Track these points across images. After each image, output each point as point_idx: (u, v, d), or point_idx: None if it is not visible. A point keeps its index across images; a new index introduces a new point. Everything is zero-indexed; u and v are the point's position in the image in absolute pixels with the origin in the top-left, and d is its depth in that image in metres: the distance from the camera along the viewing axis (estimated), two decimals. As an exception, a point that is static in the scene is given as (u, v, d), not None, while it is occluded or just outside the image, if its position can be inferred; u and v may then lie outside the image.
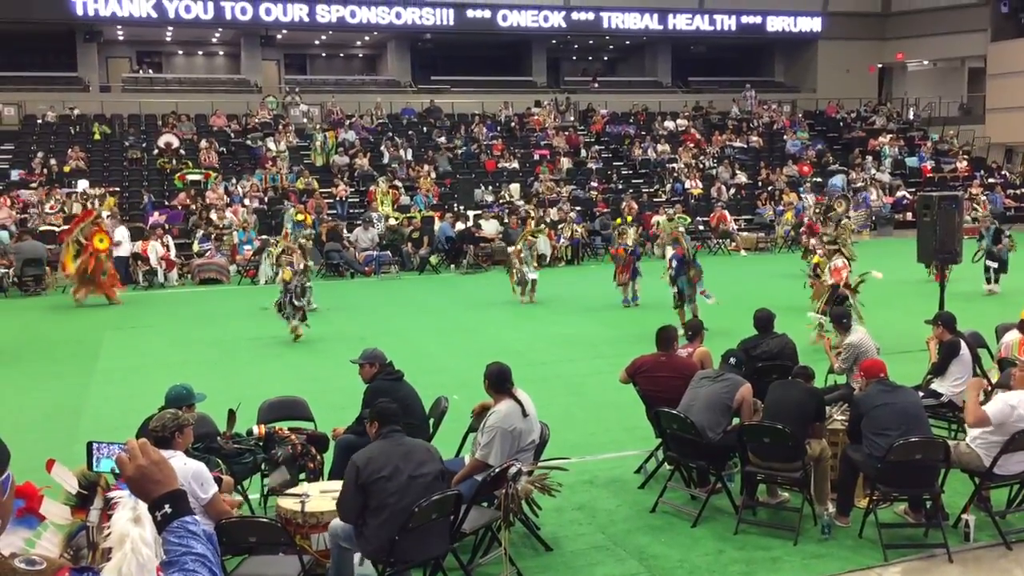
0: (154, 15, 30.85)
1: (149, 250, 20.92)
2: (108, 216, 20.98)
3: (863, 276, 14.35)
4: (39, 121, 28.99)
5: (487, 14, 33.95)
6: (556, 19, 34.85)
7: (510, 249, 19.22)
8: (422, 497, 5.39)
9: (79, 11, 29.89)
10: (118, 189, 25.88)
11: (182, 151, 27.60)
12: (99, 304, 18.22)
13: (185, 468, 5.20)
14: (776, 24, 37.40)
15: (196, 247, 22.45)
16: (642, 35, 36.88)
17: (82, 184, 25.35)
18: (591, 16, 35.15)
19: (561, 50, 39.25)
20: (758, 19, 37.09)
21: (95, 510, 4.59)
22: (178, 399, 6.38)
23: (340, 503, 5.54)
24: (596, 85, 37.64)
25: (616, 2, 35.10)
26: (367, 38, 37.15)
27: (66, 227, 19.86)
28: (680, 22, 36.16)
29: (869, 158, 32.78)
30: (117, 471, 2.70)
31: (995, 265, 17.52)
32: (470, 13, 33.75)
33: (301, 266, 14.50)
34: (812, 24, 37.72)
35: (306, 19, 32.37)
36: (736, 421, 7.18)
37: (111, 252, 18.67)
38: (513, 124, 32.52)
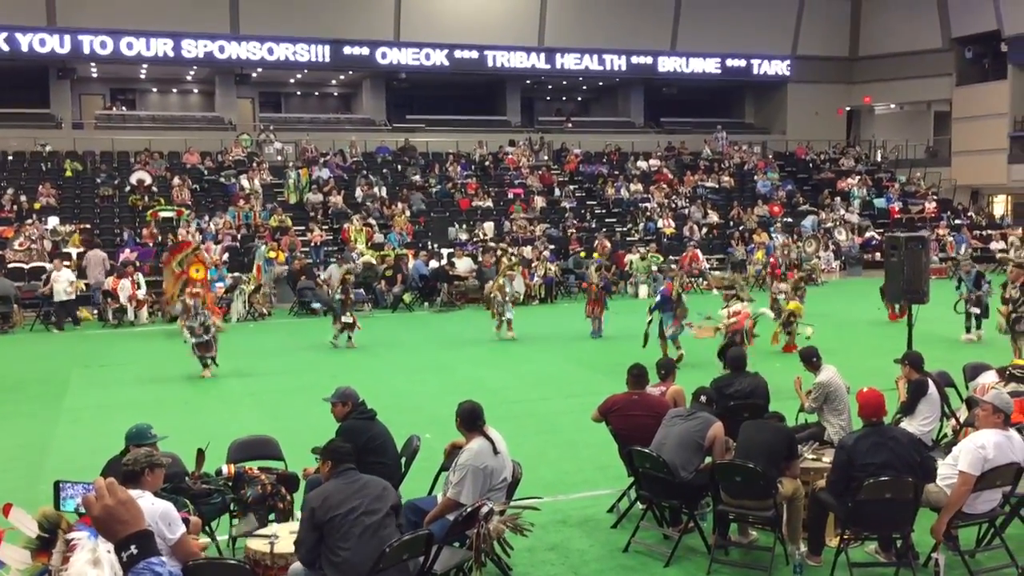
0: (128, 53, 30.90)
1: (119, 288, 20.75)
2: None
3: (793, 328, 14.76)
4: (9, 157, 28.80)
5: (474, 55, 34.31)
6: (531, 60, 35.23)
7: (490, 284, 19.37)
8: (379, 533, 5.36)
9: (53, 48, 29.91)
10: (88, 226, 25.68)
11: (154, 188, 27.49)
12: (68, 341, 18.01)
13: (153, 508, 5.13)
14: (747, 67, 38.01)
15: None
16: (615, 76, 37.36)
17: (52, 221, 25.15)
18: (564, 57, 35.56)
19: (535, 90, 39.65)
20: (730, 62, 37.68)
21: (57, 553, 4.51)
22: (138, 436, 6.35)
23: (298, 545, 5.51)
24: (570, 125, 37.99)
25: (590, 44, 35.53)
26: (342, 77, 37.35)
27: (166, 256, 20.60)
28: (653, 64, 36.65)
29: (838, 199, 33.26)
30: (81, 510, 2.67)
31: (978, 311, 16.69)
32: (457, 54, 34.12)
33: (209, 321, 14.64)
34: (782, 67, 38.39)
35: (281, 58, 32.57)
36: (708, 460, 7.19)
37: (208, 281, 19.59)
38: (487, 163, 32.72)
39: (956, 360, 11.01)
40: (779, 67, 38.37)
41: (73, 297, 20.46)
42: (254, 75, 34.78)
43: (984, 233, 31.72)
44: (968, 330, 16.76)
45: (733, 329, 13.67)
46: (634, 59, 36.37)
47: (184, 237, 22.11)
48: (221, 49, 31.71)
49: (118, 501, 2.39)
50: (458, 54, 34.25)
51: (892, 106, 41.65)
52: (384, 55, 33.50)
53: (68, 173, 28.34)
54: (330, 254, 24.89)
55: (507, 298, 18.18)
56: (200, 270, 19.05)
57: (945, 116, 39.08)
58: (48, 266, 22.32)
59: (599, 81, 38.84)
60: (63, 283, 20.09)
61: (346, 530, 5.34)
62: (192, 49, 31.44)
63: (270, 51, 32.25)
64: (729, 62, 37.66)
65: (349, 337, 17.09)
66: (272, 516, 6.81)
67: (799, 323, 15.72)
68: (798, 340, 15.11)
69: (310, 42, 32.45)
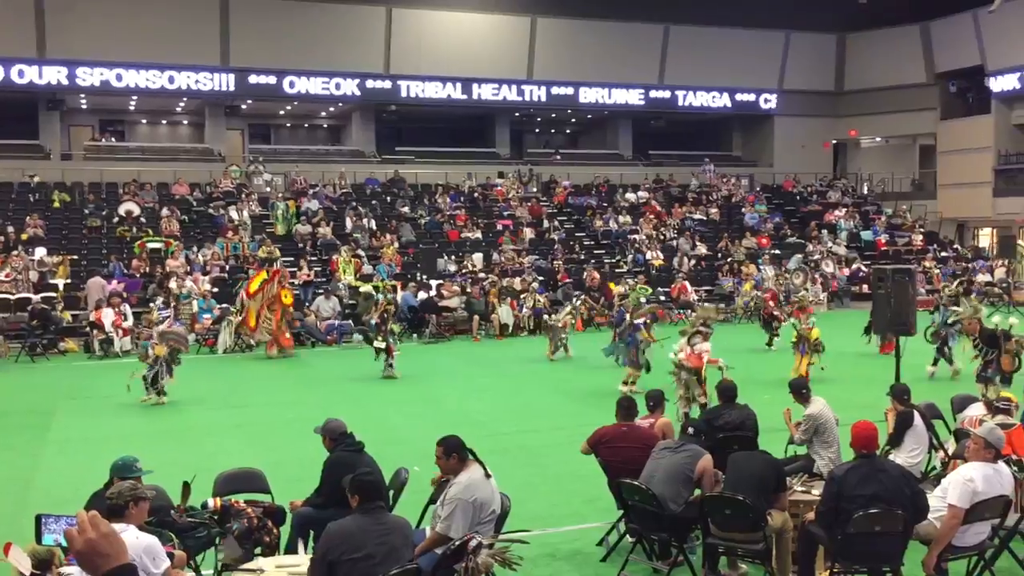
0: (117, 84, 31.00)
1: (103, 317, 20.62)
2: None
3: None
4: (-3, 188, 28.78)
5: (463, 87, 34.54)
6: (520, 92, 35.45)
7: (556, 319, 20.36)
8: None
9: (43, 80, 30.01)
10: (75, 257, 25.58)
11: (142, 219, 27.45)
12: (54, 372, 17.87)
13: (137, 542, 5.07)
14: (734, 100, 38.36)
15: (154, 315, 22.15)
16: (603, 109, 37.64)
17: (39, 252, 25.06)
18: (557, 90, 35.82)
19: (524, 122, 39.88)
20: (717, 95, 38.04)
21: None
22: (123, 469, 6.31)
23: (309, 571, 5.47)
24: (558, 157, 38.19)
25: (579, 77, 35.83)
26: (332, 109, 37.50)
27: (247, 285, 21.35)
28: (641, 97, 36.97)
29: (825, 231, 33.45)
30: (64, 544, 2.64)
31: (936, 343, 16.35)
32: (447, 86, 34.35)
33: (160, 352, 14.76)
34: (769, 101, 38.77)
35: (272, 89, 32.74)
36: (698, 492, 7.17)
37: (291, 308, 20.89)
38: (476, 195, 32.82)
39: (944, 392, 11.04)
40: (766, 100, 38.75)
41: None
42: (244, 107, 34.89)
43: (969, 266, 31.89)
44: (935, 362, 16.34)
45: (696, 367, 13.37)
46: (622, 92, 36.67)
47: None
48: (211, 81, 31.83)
49: (101, 535, 2.36)
50: (448, 86, 34.47)
51: (878, 139, 42.05)
52: (374, 87, 33.64)
53: (56, 204, 28.28)
54: (319, 286, 24.84)
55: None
56: (288, 296, 20.69)
57: (930, 150, 39.46)
58: (34, 297, 22.24)
59: (588, 114, 39.12)
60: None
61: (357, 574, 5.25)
62: (182, 81, 31.55)
63: (258, 82, 32.38)
64: (716, 95, 38.02)
65: (389, 365, 17.12)
66: (258, 550, 6.74)
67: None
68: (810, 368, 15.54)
69: (300, 74, 32.62)
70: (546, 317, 21.98)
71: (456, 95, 34.73)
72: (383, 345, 17.23)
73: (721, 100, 38.15)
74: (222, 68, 31.83)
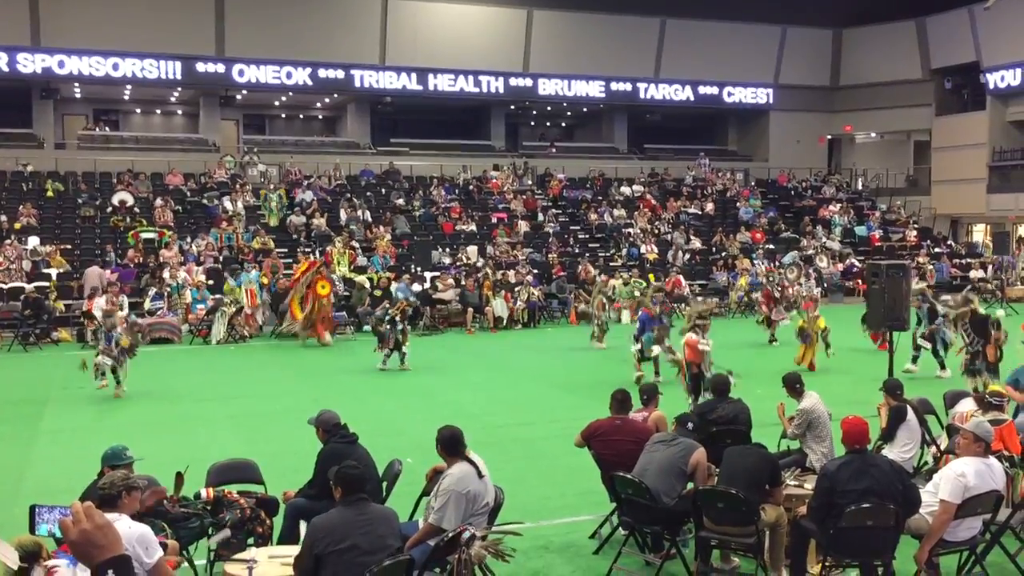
0: (113, 74, 30.89)
1: (95, 307, 20.55)
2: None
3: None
4: (-9, 176, 28.67)
5: (459, 79, 34.48)
6: (516, 85, 35.41)
7: (591, 303, 20.89)
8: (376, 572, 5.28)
9: (36, 69, 29.89)
10: (69, 246, 25.52)
11: (136, 209, 27.38)
12: (47, 362, 17.83)
13: (130, 531, 5.06)
14: (730, 95, 38.37)
15: (148, 305, 22.15)
16: (599, 102, 37.61)
17: (32, 241, 25.00)
18: (549, 83, 35.79)
19: (519, 115, 39.83)
20: (712, 89, 38.04)
21: (36, 580, 4.45)
22: (113, 458, 6.31)
23: (296, 564, 5.47)
24: (554, 150, 38.17)
25: (575, 70, 35.79)
26: (327, 100, 37.41)
27: (291, 276, 22.05)
28: (637, 91, 36.95)
29: (819, 226, 33.49)
30: (57, 535, 2.63)
31: (928, 346, 15.99)
32: (442, 78, 34.31)
33: (125, 343, 14.64)
34: (764, 96, 38.77)
35: (269, 80, 32.67)
36: (691, 486, 7.18)
37: (331, 298, 20.95)
38: (471, 187, 32.80)
39: (936, 388, 11.08)
40: (761, 95, 38.75)
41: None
42: (239, 97, 34.79)
43: (964, 262, 32.00)
44: (914, 360, 16.08)
45: (691, 359, 13.44)
46: (618, 86, 36.66)
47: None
48: (206, 70, 31.74)
49: (95, 525, 2.36)
50: (443, 78, 34.42)
51: (873, 135, 42.11)
52: (369, 79, 33.60)
53: (49, 193, 28.19)
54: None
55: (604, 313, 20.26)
56: (326, 286, 20.49)
57: (925, 145, 39.53)
58: (28, 286, 22.18)
59: (583, 107, 39.10)
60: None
61: (342, 570, 5.27)
62: (176, 70, 31.45)
63: (255, 73, 32.29)
64: (712, 90, 38.02)
65: (401, 359, 17.11)
66: (251, 540, 6.74)
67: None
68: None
69: (295, 65, 32.54)
70: (583, 307, 22.32)
71: (452, 87, 34.67)
72: (402, 341, 17.14)
73: (716, 94, 38.15)
74: (216, 58, 31.74)
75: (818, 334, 16.90)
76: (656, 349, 15.32)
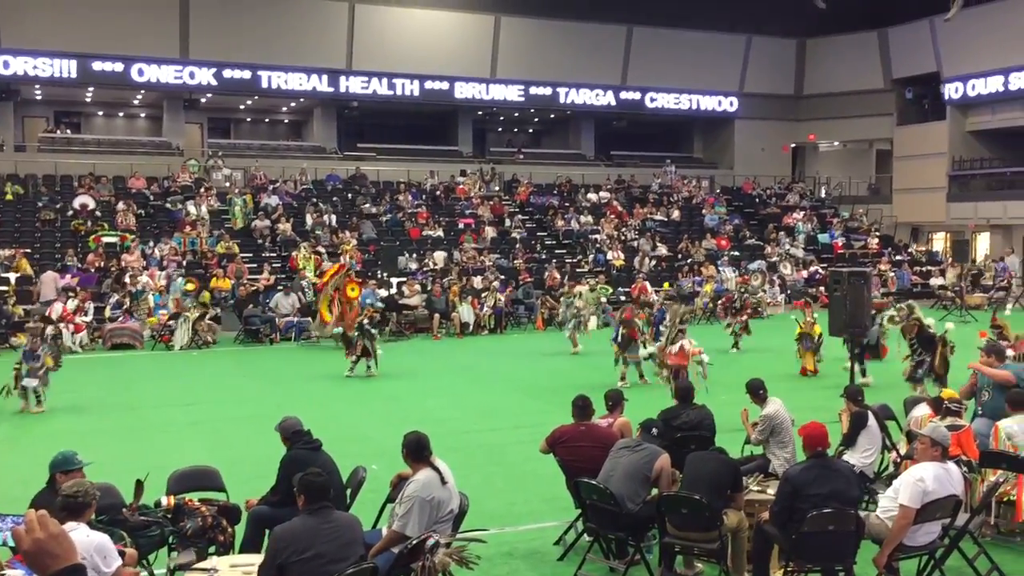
0: (74, 75, 30.49)
1: (53, 311, 20.24)
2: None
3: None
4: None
5: (427, 84, 34.42)
6: (483, 91, 35.42)
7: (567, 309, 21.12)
8: None
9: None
10: (29, 251, 25.11)
11: (98, 213, 27.02)
12: (3, 367, 17.48)
13: (88, 540, 4.99)
14: (695, 103, 38.66)
15: (108, 311, 21.84)
16: (566, 109, 37.73)
17: (-9, 244, 24.60)
18: (517, 89, 35.85)
19: (487, 121, 39.85)
20: (678, 97, 38.30)
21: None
22: (64, 463, 6.21)
23: (259, 574, 5.43)
24: (521, 156, 38.21)
25: (543, 77, 35.86)
26: (293, 104, 37.19)
27: (320, 279, 22.13)
28: (603, 98, 37.12)
29: (783, 233, 33.84)
30: (10, 544, 2.58)
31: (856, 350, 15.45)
32: (410, 83, 34.23)
33: (49, 363, 14.18)
34: (729, 104, 39.12)
35: (232, 83, 32.42)
36: (655, 491, 7.20)
37: (360, 300, 20.86)
38: (438, 193, 32.75)
39: (897, 394, 11.21)
40: (727, 103, 39.10)
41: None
42: (203, 100, 34.48)
43: (924, 269, 32.46)
44: (863, 373, 15.36)
45: (676, 364, 13.70)
46: (585, 93, 36.80)
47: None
48: (169, 73, 31.43)
49: (49, 535, 2.31)
50: (411, 84, 34.35)
51: (836, 144, 42.63)
52: (336, 83, 33.46)
53: (8, 196, 27.75)
54: (279, 282, 24.62)
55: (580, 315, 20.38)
56: (355, 289, 20.52)
57: (887, 154, 40.09)
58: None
59: (550, 113, 39.20)
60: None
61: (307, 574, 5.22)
62: (140, 73, 31.11)
63: (220, 77, 32.04)
64: (678, 97, 38.28)
65: (368, 366, 17.05)
66: (212, 549, 6.66)
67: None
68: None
69: (260, 68, 32.32)
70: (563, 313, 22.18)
71: (418, 92, 34.61)
72: (371, 347, 17.10)
73: (682, 102, 38.42)
74: (181, 60, 31.44)
75: (814, 340, 17.00)
76: (643, 353, 15.49)
